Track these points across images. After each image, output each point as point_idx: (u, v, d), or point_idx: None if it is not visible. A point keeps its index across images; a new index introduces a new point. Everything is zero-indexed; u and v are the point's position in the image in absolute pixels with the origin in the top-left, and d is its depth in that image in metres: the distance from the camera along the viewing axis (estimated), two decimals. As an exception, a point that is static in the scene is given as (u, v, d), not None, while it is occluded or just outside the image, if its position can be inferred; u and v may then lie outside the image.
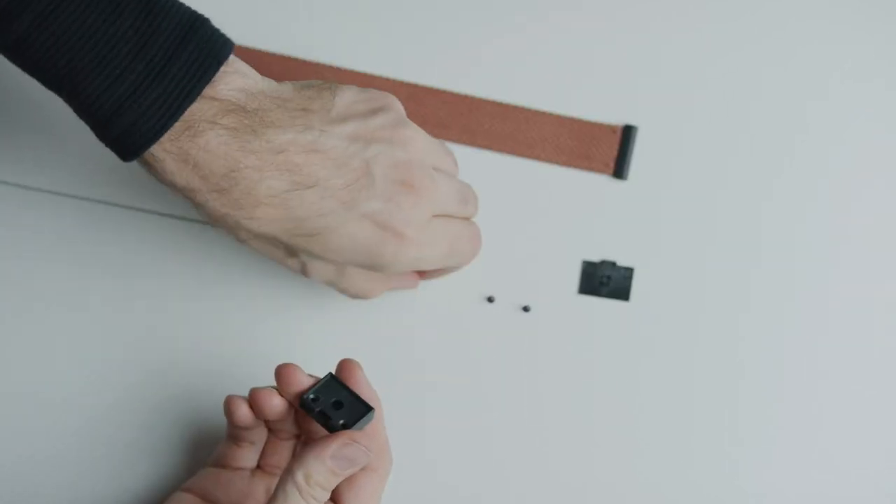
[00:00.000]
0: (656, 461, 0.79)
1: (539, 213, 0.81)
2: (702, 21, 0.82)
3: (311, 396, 0.62)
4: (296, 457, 0.60)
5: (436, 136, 0.81)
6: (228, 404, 0.66)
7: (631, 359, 0.79)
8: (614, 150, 0.81)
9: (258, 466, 0.69)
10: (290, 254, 0.66)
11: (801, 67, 0.81)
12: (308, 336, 0.79)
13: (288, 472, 0.59)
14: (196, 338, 0.79)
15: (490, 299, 0.79)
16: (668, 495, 0.78)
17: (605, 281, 0.79)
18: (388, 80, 0.81)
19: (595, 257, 0.80)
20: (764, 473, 0.79)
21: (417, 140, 0.67)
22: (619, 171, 0.81)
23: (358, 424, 0.61)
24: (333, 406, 0.61)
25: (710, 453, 0.79)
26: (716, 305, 0.80)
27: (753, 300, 0.80)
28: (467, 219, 0.73)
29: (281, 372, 0.63)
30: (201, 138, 0.59)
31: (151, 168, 0.61)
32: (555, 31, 0.82)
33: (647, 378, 0.79)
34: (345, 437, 0.59)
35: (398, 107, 0.67)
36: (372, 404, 0.63)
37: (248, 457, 0.69)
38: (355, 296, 0.71)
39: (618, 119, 0.81)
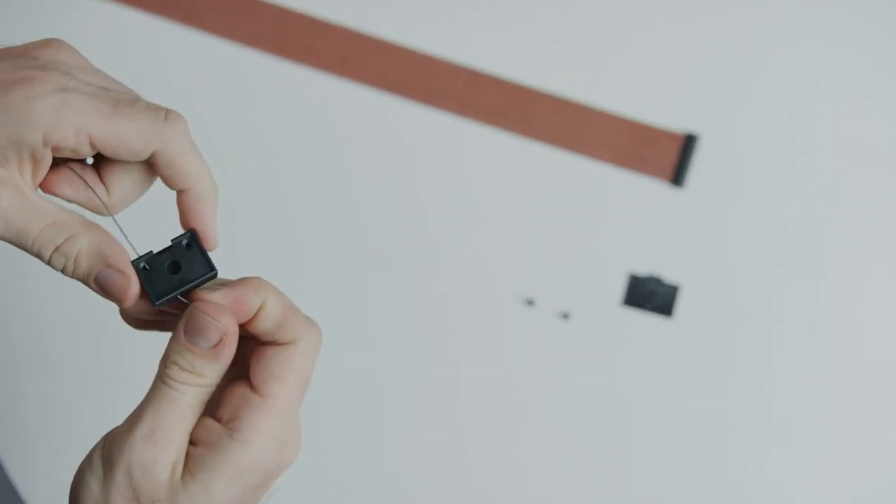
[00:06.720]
0: (683, 479, 0.77)
1: (590, 215, 0.78)
2: (776, 37, 0.78)
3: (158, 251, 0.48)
4: None
5: (492, 124, 0.79)
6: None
7: (668, 376, 0.77)
8: (674, 156, 0.78)
9: None
10: None
11: (877, 91, 0.77)
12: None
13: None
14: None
15: (530, 302, 0.78)
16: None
17: (650, 296, 0.77)
18: (447, 63, 0.79)
19: (643, 265, 0.78)
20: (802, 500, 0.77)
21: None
22: (678, 177, 0.78)
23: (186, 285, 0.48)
24: (171, 267, 0.48)
25: (739, 480, 0.77)
26: (760, 330, 0.77)
27: (799, 337, 0.77)
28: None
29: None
30: None
31: None
32: (626, 31, 0.79)
33: (683, 396, 0.77)
34: (191, 306, 0.48)
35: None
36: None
37: None
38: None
39: (680, 125, 0.78)
